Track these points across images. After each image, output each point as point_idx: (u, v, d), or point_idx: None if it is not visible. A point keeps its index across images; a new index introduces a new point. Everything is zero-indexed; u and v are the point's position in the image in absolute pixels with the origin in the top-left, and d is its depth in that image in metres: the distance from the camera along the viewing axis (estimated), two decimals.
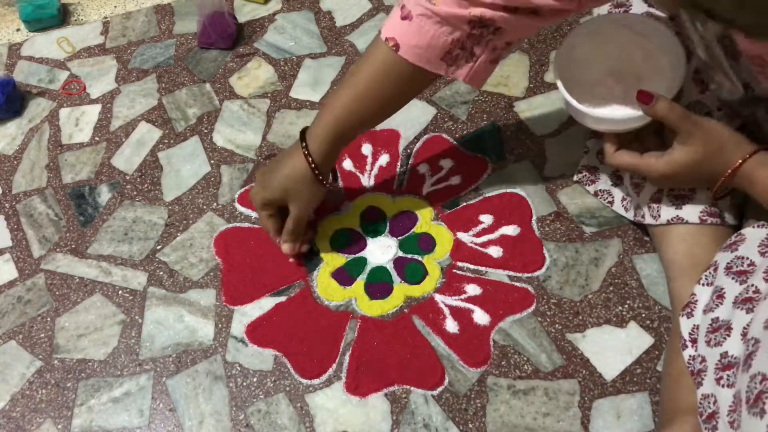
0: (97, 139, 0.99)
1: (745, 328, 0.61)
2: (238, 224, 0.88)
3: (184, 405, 0.75)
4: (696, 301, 0.69)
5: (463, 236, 0.84)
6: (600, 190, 0.84)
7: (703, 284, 0.69)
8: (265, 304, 0.81)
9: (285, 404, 0.74)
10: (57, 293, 0.84)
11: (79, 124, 1.01)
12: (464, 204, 0.86)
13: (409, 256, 0.83)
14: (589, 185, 0.85)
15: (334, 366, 0.76)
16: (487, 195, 0.87)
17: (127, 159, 0.96)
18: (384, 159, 0.92)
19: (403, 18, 0.67)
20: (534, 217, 0.84)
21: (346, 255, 0.84)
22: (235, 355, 0.78)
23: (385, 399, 0.73)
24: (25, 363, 0.79)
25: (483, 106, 0.96)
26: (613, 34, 0.73)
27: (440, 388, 0.73)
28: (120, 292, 0.83)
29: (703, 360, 0.64)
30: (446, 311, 0.78)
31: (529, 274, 0.80)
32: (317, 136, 0.74)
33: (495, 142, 0.92)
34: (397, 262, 0.83)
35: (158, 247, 0.87)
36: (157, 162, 0.95)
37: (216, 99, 1.01)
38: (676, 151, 0.67)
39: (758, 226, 0.68)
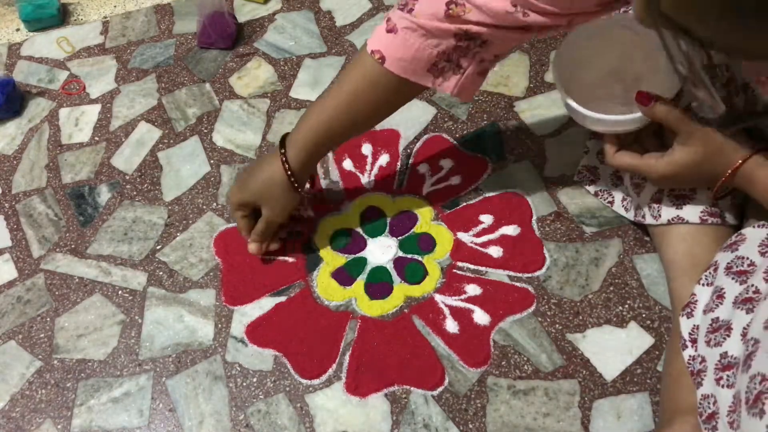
0: (96, 139, 0.98)
1: (745, 328, 0.61)
2: None
3: (183, 405, 0.75)
4: (696, 301, 0.69)
5: (463, 236, 0.84)
6: (600, 190, 0.84)
7: (703, 284, 0.69)
8: (265, 304, 0.81)
9: (285, 404, 0.74)
10: (57, 293, 0.84)
11: (78, 124, 1.01)
12: (464, 204, 0.86)
13: (409, 256, 0.83)
14: (589, 185, 0.85)
15: (334, 366, 0.76)
16: (487, 195, 0.87)
17: (127, 159, 0.96)
18: (384, 159, 0.92)
19: (389, 31, 0.67)
20: (534, 217, 0.84)
21: (346, 255, 0.84)
22: (235, 355, 0.78)
23: (385, 399, 0.73)
24: (25, 363, 0.79)
25: (483, 106, 0.96)
26: (612, 34, 0.73)
27: (440, 389, 0.73)
28: (120, 292, 0.83)
29: (703, 360, 0.64)
30: (446, 311, 0.78)
31: (530, 274, 0.80)
32: (296, 144, 0.74)
33: (495, 142, 0.92)
34: (397, 262, 0.83)
35: (158, 247, 0.87)
36: (157, 162, 0.95)
37: (216, 99, 1.01)
38: (676, 151, 0.67)
39: (758, 226, 0.68)
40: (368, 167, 0.91)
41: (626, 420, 0.70)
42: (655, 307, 0.77)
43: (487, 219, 0.85)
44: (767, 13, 0.32)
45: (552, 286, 0.79)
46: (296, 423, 0.73)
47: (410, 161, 0.91)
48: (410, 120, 0.94)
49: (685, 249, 0.73)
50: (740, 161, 0.65)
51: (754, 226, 0.68)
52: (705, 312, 0.67)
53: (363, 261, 0.83)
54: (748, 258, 0.66)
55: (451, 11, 0.64)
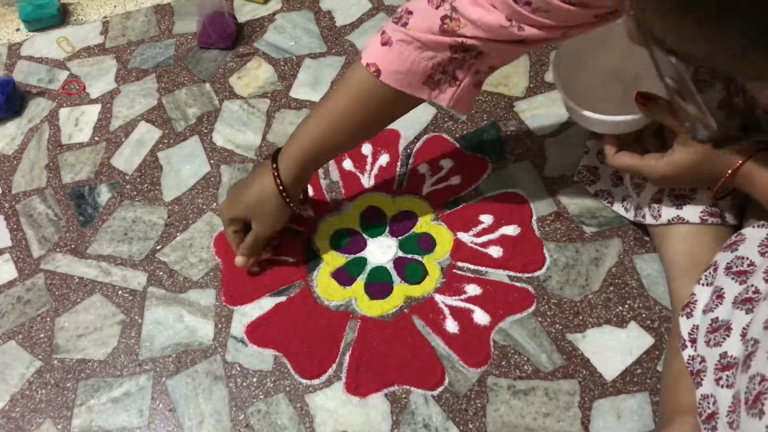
0: (96, 139, 0.99)
1: (744, 328, 0.61)
2: None
3: (183, 405, 0.75)
4: (696, 301, 0.69)
5: (463, 236, 0.84)
6: (600, 190, 0.84)
7: (702, 284, 0.69)
8: (265, 304, 0.81)
9: (285, 404, 0.74)
10: (57, 293, 0.84)
11: (78, 124, 1.01)
12: (464, 204, 0.86)
13: (409, 256, 0.83)
14: (589, 185, 0.85)
15: (334, 366, 0.76)
16: (487, 195, 0.87)
17: (127, 159, 0.96)
18: (384, 159, 0.92)
19: (383, 44, 0.67)
20: (534, 217, 0.84)
21: (346, 255, 0.84)
22: (235, 355, 0.78)
23: (385, 399, 0.73)
24: (25, 363, 0.79)
25: (483, 106, 0.96)
26: (612, 34, 0.73)
27: (440, 388, 0.73)
28: (120, 292, 0.83)
29: (703, 360, 0.64)
30: (446, 311, 0.78)
31: (530, 274, 0.80)
32: (288, 158, 0.74)
33: (495, 142, 0.92)
34: (397, 262, 0.83)
35: (158, 247, 0.87)
36: (157, 162, 0.95)
37: (216, 99, 1.01)
38: (676, 152, 0.67)
39: (758, 226, 0.68)
40: (368, 167, 0.91)
41: (626, 420, 0.70)
42: (655, 307, 0.77)
43: (487, 219, 0.85)
44: (754, 42, 0.32)
45: (552, 286, 0.79)
46: (296, 423, 0.73)
47: (410, 161, 0.91)
48: (410, 120, 0.94)
49: (685, 249, 0.73)
50: (740, 161, 0.65)
51: (754, 226, 0.68)
52: (705, 312, 0.67)
53: (363, 261, 0.83)
54: (747, 258, 0.66)
55: (445, 26, 0.64)
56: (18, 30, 1.15)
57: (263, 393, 0.75)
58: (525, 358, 0.74)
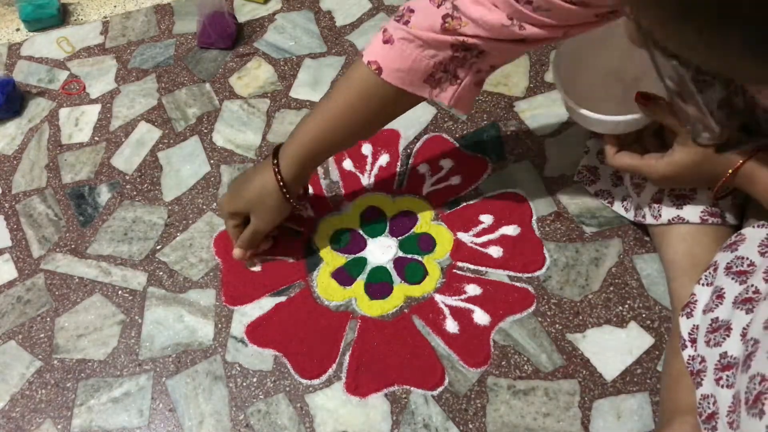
0: (96, 139, 0.98)
1: (744, 328, 0.61)
2: None
3: (183, 405, 0.75)
4: (696, 301, 0.69)
5: (463, 236, 0.84)
6: (600, 190, 0.84)
7: (702, 284, 0.69)
8: (265, 304, 0.81)
9: (285, 404, 0.74)
10: (57, 293, 0.84)
11: (78, 124, 1.01)
12: (464, 204, 0.86)
13: (409, 256, 0.83)
14: (589, 185, 0.85)
15: (334, 366, 0.76)
16: (487, 195, 0.87)
17: (127, 159, 0.96)
18: (384, 159, 0.92)
19: (385, 42, 0.67)
20: (534, 217, 0.84)
21: (346, 255, 0.84)
22: (235, 355, 0.78)
23: (385, 399, 0.73)
24: (25, 363, 0.79)
25: (483, 106, 0.96)
26: (613, 34, 0.72)
27: (440, 388, 0.73)
28: (120, 292, 0.83)
29: (703, 360, 0.64)
30: (446, 311, 0.78)
31: (530, 274, 0.80)
32: (289, 155, 0.74)
33: (495, 142, 0.92)
34: (397, 262, 0.83)
35: (158, 247, 0.87)
36: (157, 162, 0.95)
37: (216, 99, 1.01)
38: (676, 152, 0.67)
39: (758, 226, 0.68)
40: (368, 167, 0.91)
41: (626, 420, 0.70)
42: (655, 307, 0.77)
43: (487, 219, 0.85)
44: (754, 49, 0.33)
45: (552, 286, 0.79)
46: (296, 423, 0.73)
47: (410, 161, 0.91)
48: (410, 120, 0.94)
49: (685, 249, 0.73)
50: (741, 161, 0.65)
51: (754, 226, 0.68)
52: (705, 312, 0.67)
53: (363, 261, 0.83)
54: (747, 258, 0.66)
55: (447, 25, 0.64)
56: (18, 30, 1.15)
57: (263, 393, 0.75)
58: (525, 358, 0.74)
